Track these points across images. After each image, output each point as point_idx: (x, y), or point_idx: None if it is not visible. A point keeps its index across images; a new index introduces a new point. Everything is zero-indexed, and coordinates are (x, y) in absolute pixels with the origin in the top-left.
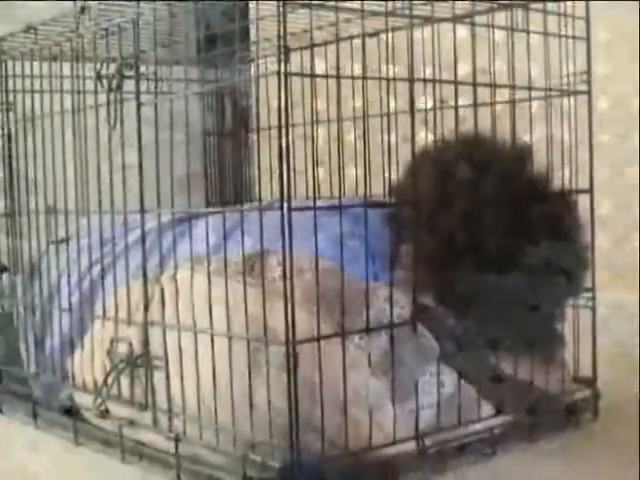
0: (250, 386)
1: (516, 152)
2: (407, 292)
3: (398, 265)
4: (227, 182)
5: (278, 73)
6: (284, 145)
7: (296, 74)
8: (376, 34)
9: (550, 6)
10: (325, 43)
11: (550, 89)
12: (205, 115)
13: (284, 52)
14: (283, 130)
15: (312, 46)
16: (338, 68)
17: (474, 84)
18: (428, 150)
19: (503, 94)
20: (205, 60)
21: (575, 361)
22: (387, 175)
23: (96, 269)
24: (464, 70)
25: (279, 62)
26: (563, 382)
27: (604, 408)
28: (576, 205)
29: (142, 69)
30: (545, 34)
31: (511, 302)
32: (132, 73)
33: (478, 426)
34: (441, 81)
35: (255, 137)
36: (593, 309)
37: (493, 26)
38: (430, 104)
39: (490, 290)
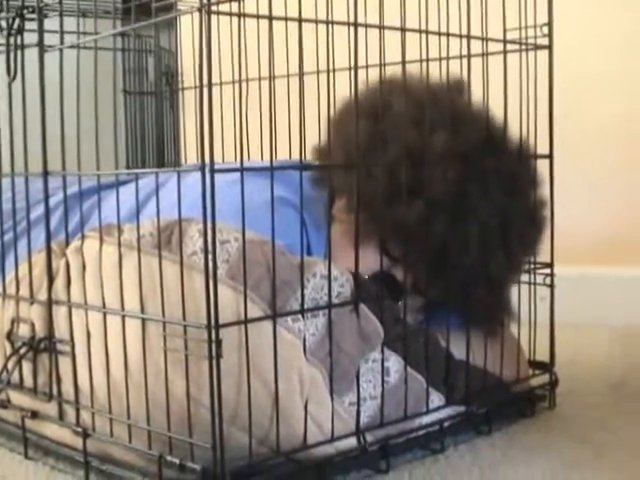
0: (167, 376)
1: (452, 86)
2: (344, 259)
3: (333, 229)
4: (149, 146)
5: (200, 10)
6: (205, 96)
7: (221, 12)
8: None
9: None
10: None
11: (506, 41)
12: (126, 71)
13: None
14: (205, 76)
15: None
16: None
17: (423, 31)
18: (351, 100)
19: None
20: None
21: (531, 344)
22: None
23: None
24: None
25: None
26: (518, 368)
27: (562, 394)
28: (529, 153)
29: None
30: None
31: (458, 251)
32: (34, 16)
33: (426, 419)
34: (386, 27)
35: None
36: (551, 287)
37: None
38: (375, 58)
39: (435, 234)
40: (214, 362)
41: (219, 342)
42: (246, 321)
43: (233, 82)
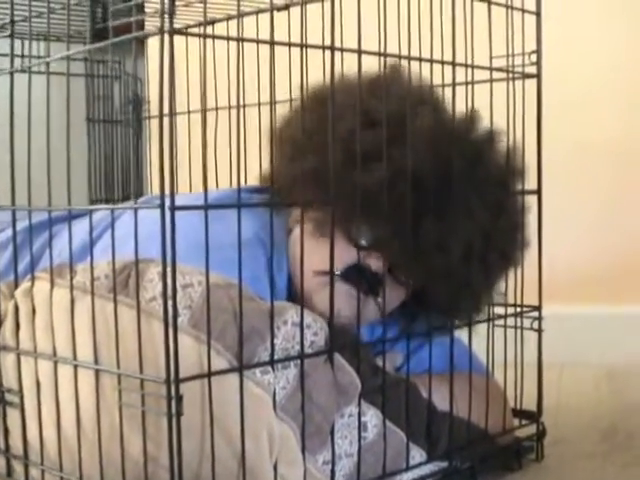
0: (122, 433)
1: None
2: (314, 257)
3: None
4: (113, 176)
5: (161, 31)
6: (166, 126)
7: (184, 32)
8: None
9: None
10: (228, 18)
11: (493, 69)
12: (90, 99)
13: (170, 1)
14: (165, 102)
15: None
16: (239, 28)
17: (404, 57)
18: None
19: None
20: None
21: (517, 392)
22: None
23: None
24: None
25: (162, 15)
26: (504, 418)
27: (550, 443)
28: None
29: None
30: (489, 2)
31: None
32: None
33: (407, 476)
34: (365, 52)
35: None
36: (539, 331)
37: None
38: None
39: (400, 202)
40: (174, 420)
41: (179, 398)
42: (210, 374)
43: (202, 110)
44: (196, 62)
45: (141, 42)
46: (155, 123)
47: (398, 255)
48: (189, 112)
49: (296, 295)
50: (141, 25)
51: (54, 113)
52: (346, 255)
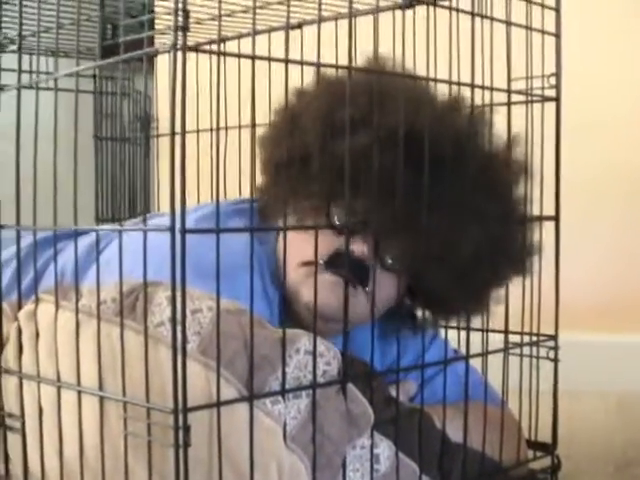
0: (127, 463)
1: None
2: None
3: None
4: (120, 194)
5: (174, 47)
6: (178, 145)
7: (198, 49)
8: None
9: None
10: (240, 36)
11: (511, 91)
12: (98, 115)
13: (183, 16)
14: (177, 120)
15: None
16: (254, 46)
17: (426, 79)
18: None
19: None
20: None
21: (532, 423)
22: None
23: None
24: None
25: (175, 31)
26: (518, 450)
27: (563, 476)
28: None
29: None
30: (509, 23)
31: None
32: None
33: None
34: (384, 72)
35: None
36: (555, 360)
37: (456, 9)
38: None
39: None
40: (181, 451)
41: (187, 428)
42: (219, 403)
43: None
44: (205, 80)
45: (150, 59)
46: (163, 141)
47: (380, 233)
48: (198, 131)
49: (289, 298)
50: (150, 42)
51: (61, 130)
52: (329, 242)
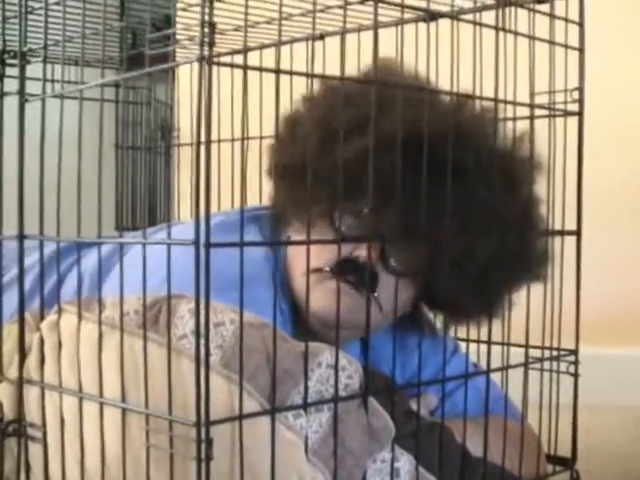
0: (148, 475)
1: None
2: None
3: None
4: (140, 204)
5: (200, 60)
6: (202, 157)
7: (223, 64)
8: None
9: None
10: (261, 47)
11: (534, 105)
12: (119, 125)
13: (210, 29)
14: (203, 129)
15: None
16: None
17: (452, 93)
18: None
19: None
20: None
21: (551, 437)
22: None
23: None
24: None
25: (201, 45)
26: (538, 465)
27: None
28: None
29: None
30: (533, 38)
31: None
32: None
33: None
34: (407, 87)
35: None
36: (575, 375)
37: (480, 24)
38: None
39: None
40: (203, 464)
41: (210, 442)
42: (241, 417)
43: (232, 140)
44: (226, 90)
45: (171, 70)
46: (184, 151)
47: (387, 239)
48: (219, 141)
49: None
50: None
51: (83, 139)
52: (335, 249)
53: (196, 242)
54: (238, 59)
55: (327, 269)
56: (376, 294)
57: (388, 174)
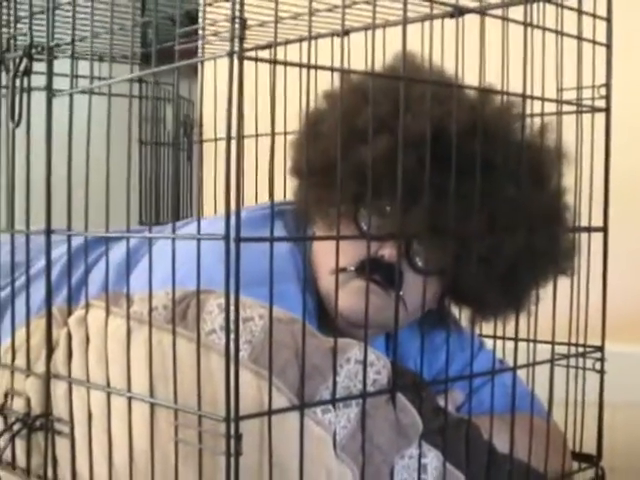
0: (177, 471)
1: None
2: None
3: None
4: (163, 199)
5: (230, 54)
6: (233, 153)
7: (253, 58)
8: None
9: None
10: (286, 42)
11: (561, 101)
12: (142, 120)
13: (240, 24)
14: (234, 125)
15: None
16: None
17: (480, 88)
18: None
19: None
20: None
21: (576, 435)
22: None
23: None
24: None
25: (231, 40)
26: (563, 462)
27: None
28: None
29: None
30: (561, 33)
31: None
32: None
33: None
34: (436, 83)
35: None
36: (601, 372)
37: (508, 19)
38: None
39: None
40: (232, 459)
41: (239, 437)
42: (270, 412)
43: (257, 135)
44: (251, 84)
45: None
46: (208, 147)
47: (412, 237)
48: (243, 137)
49: (322, 304)
50: (194, 49)
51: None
52: (360, 248)
53: (226, 237)
54: (262, 55)
55: (352, 269)
56: (402, 293)
57: (415, 172)
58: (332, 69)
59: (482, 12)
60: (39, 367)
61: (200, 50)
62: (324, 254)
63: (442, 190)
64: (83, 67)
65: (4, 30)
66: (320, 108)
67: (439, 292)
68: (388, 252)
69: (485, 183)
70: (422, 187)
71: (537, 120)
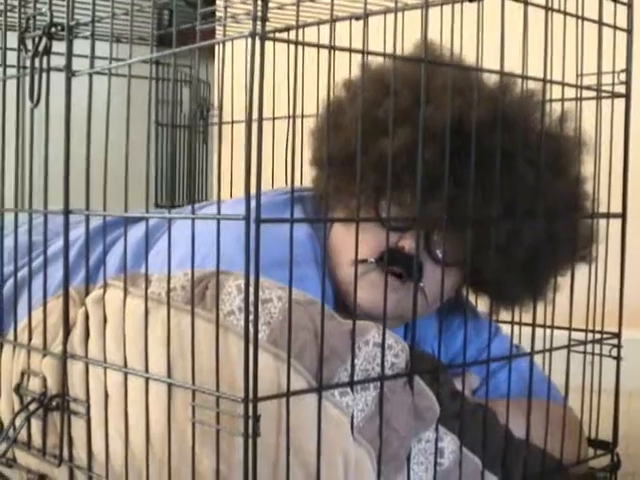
0: (194, 452)
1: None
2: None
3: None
4: (179, 181)
5: (252, 35)
6: (255, 134)
7: (276, 39)
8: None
9: None
10: (303, 25)
11: (581, 87)
12: (159, 102)
13: (263, 5)
14: (255, 107)
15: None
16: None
17: (500, 72)
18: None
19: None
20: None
21: (592, 422)
22: None
23: (9, 284)
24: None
25: (254, 20)
26: (579, 449)
27: (623, 477)
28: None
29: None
30: (581, 18)
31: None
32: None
33: None
34: (459, 66)
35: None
36: (618, 359)
37: (529, 3)
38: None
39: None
40: (250, 440)
41: (257, 418)
42: (288, 394)
43: (273, 118)
44: (269, 69)
45: (211, 47)
46: (225, 129)
47: (434, 231)
48: (262, 119)
49: (340, 293)
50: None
51: (120, 115)
52: (380, 239)
53: (247, 218)
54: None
55: (372, 260)
56: (422, 284)
57: (435, 163)
58: (354, 50)
59: None
60: (56, 347)
61: (217, 32)
62: (344, 244)
63: (462, 181)
64: (100, 49)
65: (23, 10)
66: (340, 97)
67: (459, 282)
68: (408, 243)
69: (505, 173)
70: (442, 178)
71: (557, 107)
